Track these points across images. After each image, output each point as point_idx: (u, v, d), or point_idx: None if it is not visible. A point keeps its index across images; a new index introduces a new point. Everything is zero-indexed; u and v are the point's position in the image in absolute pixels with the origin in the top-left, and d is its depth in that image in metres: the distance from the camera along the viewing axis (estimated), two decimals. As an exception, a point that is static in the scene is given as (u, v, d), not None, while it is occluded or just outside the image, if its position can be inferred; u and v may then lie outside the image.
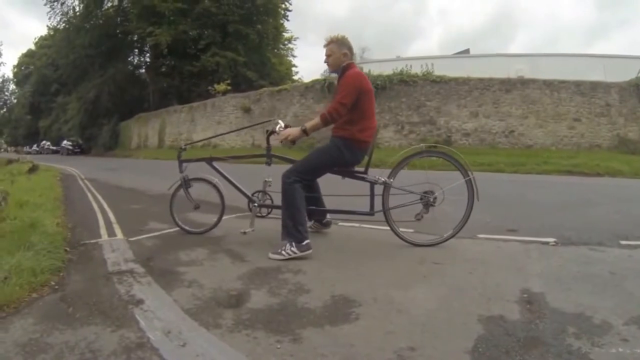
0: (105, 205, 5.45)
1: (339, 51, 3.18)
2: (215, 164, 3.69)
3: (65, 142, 34.09)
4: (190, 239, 3.62)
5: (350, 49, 3.24)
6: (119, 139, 30.11)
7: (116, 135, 30.31)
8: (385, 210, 3.20)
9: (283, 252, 2.96)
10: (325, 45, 3.23)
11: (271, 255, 2.99)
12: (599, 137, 13.14)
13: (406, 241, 3.23)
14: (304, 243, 2.98)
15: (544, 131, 13.32)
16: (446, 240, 3.20)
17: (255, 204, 3.51)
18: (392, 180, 3.19)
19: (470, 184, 3.13)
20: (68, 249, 3.26)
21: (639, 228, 3.75)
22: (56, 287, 2.51)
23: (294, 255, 2.95)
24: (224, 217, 3.88)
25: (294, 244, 2.97)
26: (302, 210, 3.08)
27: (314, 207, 3.40)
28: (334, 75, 3.64)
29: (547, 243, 3.27)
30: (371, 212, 3.24)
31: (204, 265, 2.92)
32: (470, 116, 13.92)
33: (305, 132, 3.08)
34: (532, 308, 2.12)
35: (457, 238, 3.29)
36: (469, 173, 3.11)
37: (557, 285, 2.43)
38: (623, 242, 3.26)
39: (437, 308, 2.17)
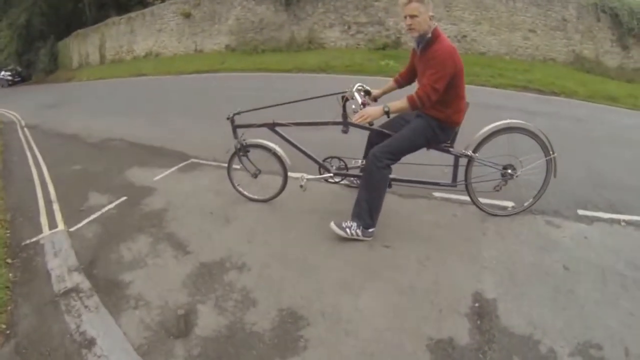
0: (45, 171, 5.44)
1: (426, 12, 2.63)
2: (279, 129, 3.32)
3: (3, 72, 31.40)
4: (131, 222, 3.68)
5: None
6: (58, 60, 27.95)
7: (55, 57, 28.01)
8: (468, 183, 3.20)
9: (348, 230, 2.97)
10: (406, 4, 2.62)
11: (334, 228, 3.00)
12: (554, 51, 12.87)
13: (487, 212, 3.31)
14: (370, 230, 2.98)
15: (497, 39, 12.94)
16: (525, 210, 3.30)
17: (332, 175, 3.34)
18: (477, 154, 3.11)
19: (550, 162, 3.12)
20: (10, 260, 3.27)
21: (598, 191, 3.73)
22: (7, 331, 2.49)
23: (355, 237, 2.98)
24: (166, 173, 3.89)
25: (361, 227, 2.95)
26: (383, 197, 2.96)
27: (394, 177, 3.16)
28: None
29: (505, 208, 3.35)
30: (454, 184, 3.20)
31: (148, 266, 2.98)
32: (421, 18, 13.24)
33: (387, 113, 2.77)
34: (482, 326, 2.20)
35: (413, 198, 3.49)
36: (552, 152, 3.08)
37: (510, 286, 2.48)
38: (581, 213, 3.33)
39: (387, 328, 2.22)
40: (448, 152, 3.10)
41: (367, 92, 3.22)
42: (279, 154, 3.39)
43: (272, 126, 3.30)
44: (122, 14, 21.77)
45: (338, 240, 3.02)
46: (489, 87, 8.91)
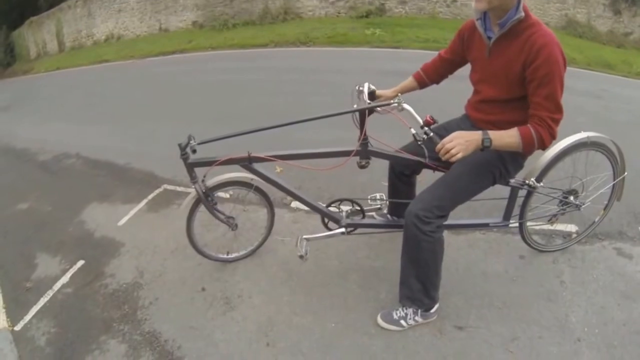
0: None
1: None
2: (258, 166, 2.29)
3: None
4: (93, 311, 2.69)
5: None
6: (15, 52, 26.01)
7: (11, 48, 26.05)
8: (524, 220, 2.43)
9: (403, 322, 2.18)
10: None
11: (385, 325, 2.21)
12: (547, 15, 12.22)
13: (540, 250, 2.67)
14: (433, 309, 2.19)
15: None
16: (577, 241, 2.73)
17: (344, 227, 2.39)
18: (541, 183, 2.29)
19: (618, 184, 2.48)
20: None
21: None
22: None
23: (415, 325, 2.21)
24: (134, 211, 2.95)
25: (419, 311, 2.17)
26: (440, 266, 2.10)
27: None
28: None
29: (570, 235, 2.77)
30: (506, 223, 2.41)
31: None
32: (408, -18, 12.24)
33: (485, 149, 1.75)
34: None
35: (465, 233, 2.78)
36: (623, 171, 2.43)
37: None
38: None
39: None
40: (506, 183, 2.24)
41: (372, 94, 2.24)
42: (260, 188, 2.52)
43: (247, 161, 2.23)
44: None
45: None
46: None
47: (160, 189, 4.12)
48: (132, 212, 3.77)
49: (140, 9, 16.57)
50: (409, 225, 1.95)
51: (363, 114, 2.01)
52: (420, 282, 2.08)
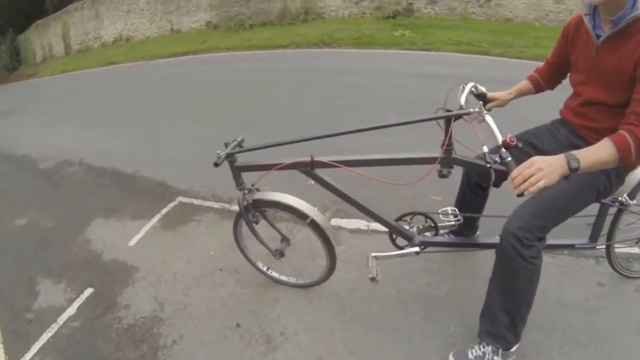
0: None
1: None
2: (321, 172, 1.87)
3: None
4: (107, 353, 2.24)
5: None
6: (21, 55, 25.92)
7: (17, 52, 26.01)
8: (612, 243, 2.13)
9: None
10: None
11: None
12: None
13: (626, 276, 2.31)
14: (513, 349, 1.84)
15: (526, 3, 11.38)
16: None
17: (417, 246, 1.97)
18: (634, 201, 2.00)
19: None
20: None
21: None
22: None
23: None
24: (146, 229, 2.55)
25: (500, 350, 1.81)
26: (532, 300, 1.77)
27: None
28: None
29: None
30: (593, 245, 2.09)
31: None
32: (438, -20, 11.79)
33: (574, 171, 1.40)
34: None
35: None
36: None
37: None
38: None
39: None
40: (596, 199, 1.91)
41: (481, 96, 1.99)
42: (322, 225, 1.96)
43: (309, 166, 1.83)
44: (85, -1, 19.89)
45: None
46: (525, 60, 7.56)
47: (175, 202, 3.58)
48: (144, 230, 3.25)
49: (150, 10, 16.05)
50: (505, 247, 1.65)
51: (449, 118, 1.71)
52: (508, 316, 1.76)
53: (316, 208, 1.96)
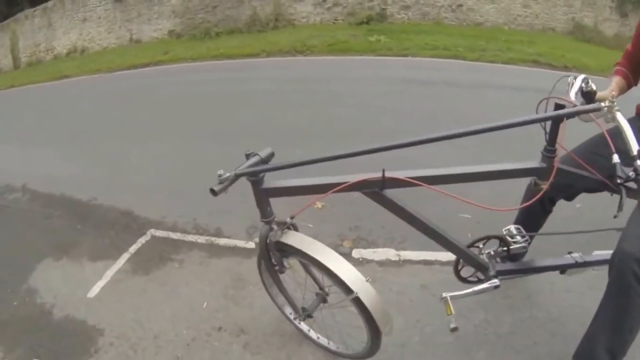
0: None
1: None
2: (390, 193, 1.42)
3: None
4: None
5: None
6: (-34, 68, 24.39)
7: (-38, 65, 24.41)
8: None
9: None
10: None
11: None
12: (554, 19, 12.11)
13: None
14: None
15: (496, 7, 11.93)
16: None
17: (494, 279, 1.60)
18: None
19: None
20: None
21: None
22: None
23: None
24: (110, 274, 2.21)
25: None
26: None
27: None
28: None
29: None
30: None
31: None
32: (410, -14, 12.15)
33: None
34: None
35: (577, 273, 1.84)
36: None
37: None
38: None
39: None
40: None
41: (588, 94, 1.60)
42: (370, 309, 1.41)
43: (378, 186, 1.36)
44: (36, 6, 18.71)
45: None
46: (499, 64, 7.81)
47: (147, 237, 2.97)
48: (108, 275, 2.62)
49: (108, 18, 15.25)
50: (623, 272, 1.36)
51: (558, 117, 1.34)
52: (609, 354, 1.47)
53: (368, 280, 1.42)
